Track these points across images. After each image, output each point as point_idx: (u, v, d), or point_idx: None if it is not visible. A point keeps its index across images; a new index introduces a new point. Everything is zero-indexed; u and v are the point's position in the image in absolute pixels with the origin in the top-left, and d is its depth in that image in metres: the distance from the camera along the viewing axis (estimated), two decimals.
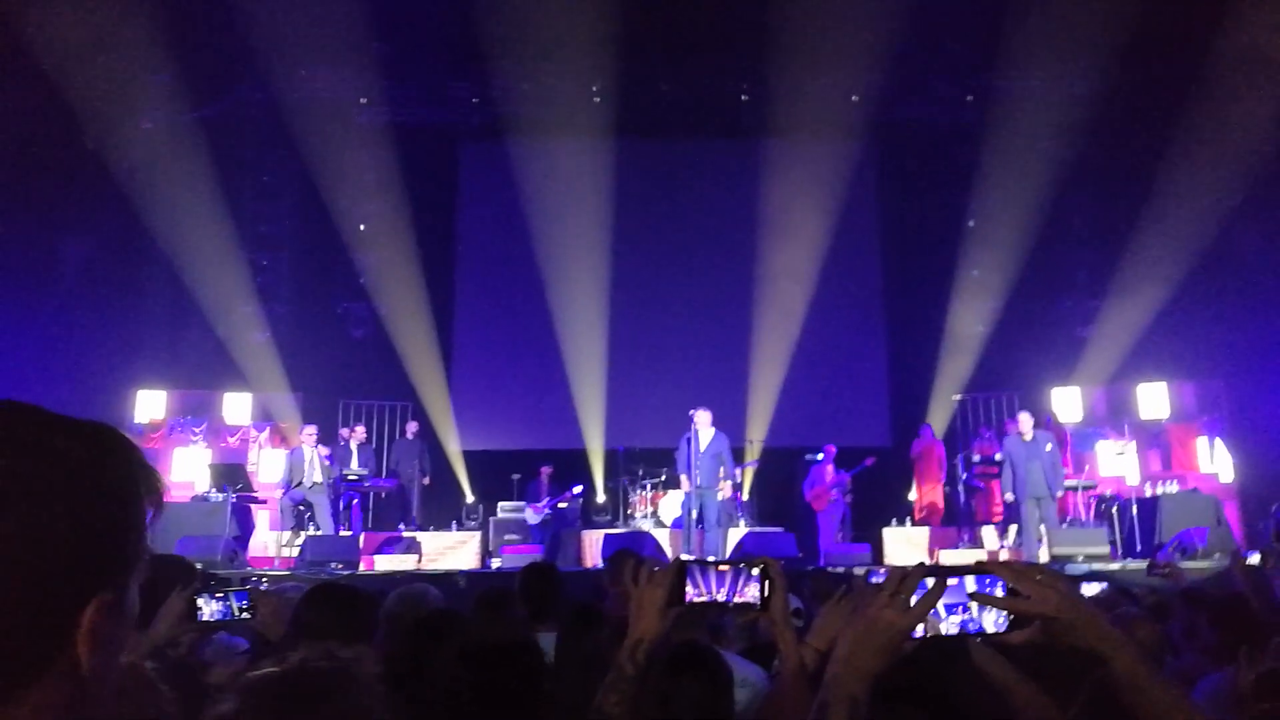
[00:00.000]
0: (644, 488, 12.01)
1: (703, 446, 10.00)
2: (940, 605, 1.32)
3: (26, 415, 0.78)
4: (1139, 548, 10.15)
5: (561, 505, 11.61)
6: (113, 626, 0.78)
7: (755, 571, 1.97)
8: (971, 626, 1.32)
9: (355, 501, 11.62)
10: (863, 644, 1.30)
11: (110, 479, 0.79)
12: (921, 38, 12.21)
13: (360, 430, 11.78)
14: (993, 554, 10.36)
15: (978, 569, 1.34)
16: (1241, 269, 11.36)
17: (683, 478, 10.21)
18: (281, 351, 12.86)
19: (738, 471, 11.16)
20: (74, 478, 0.76)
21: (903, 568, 1.36)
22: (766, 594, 1.96)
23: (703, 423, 10.12)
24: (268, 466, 12.13)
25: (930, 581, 1.32)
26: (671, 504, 11.69)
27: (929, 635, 1.32)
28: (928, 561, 1.38)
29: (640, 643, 2.06)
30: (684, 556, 3.13)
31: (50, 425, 0.78)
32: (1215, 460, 11.76)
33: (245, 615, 2.86)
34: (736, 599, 1.98)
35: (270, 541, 10.85)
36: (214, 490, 10.34)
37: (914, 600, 1.30)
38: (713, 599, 1.99)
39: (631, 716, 2.07)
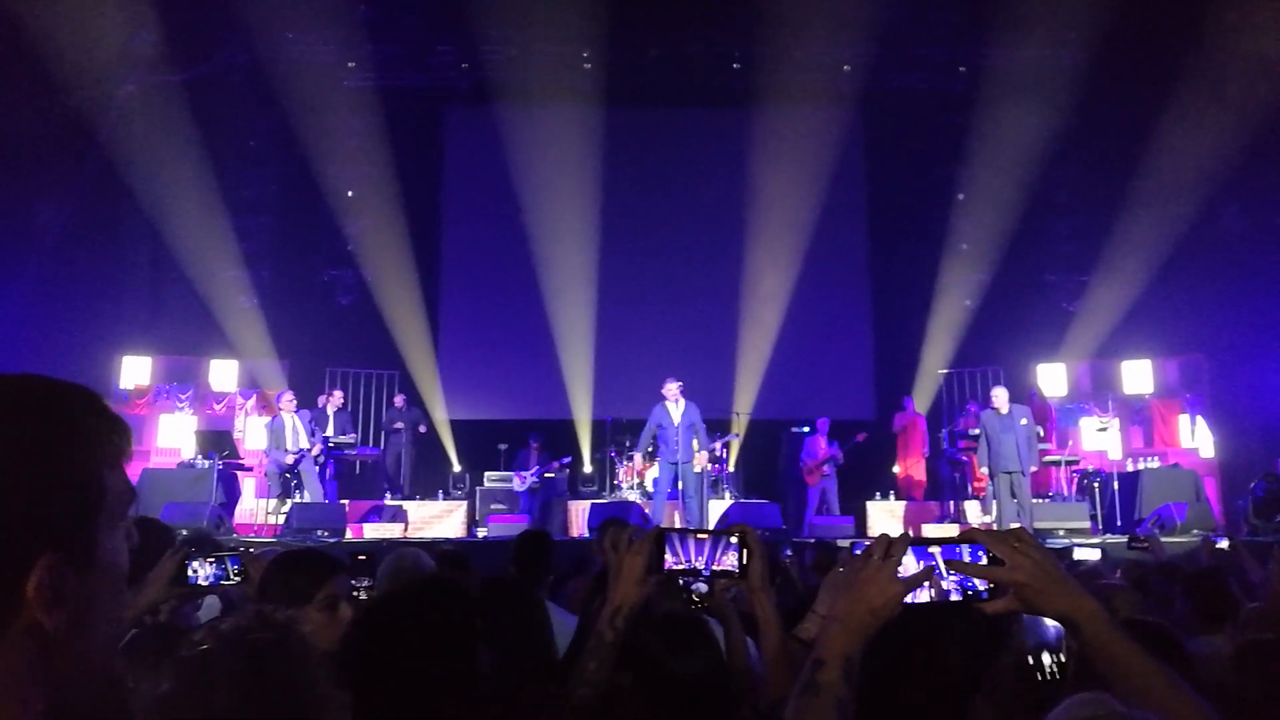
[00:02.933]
0: (630, 458, 12.05)
1: (676, 419, 10.03)
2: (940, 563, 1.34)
3: None
4: (1119, 522, 10.26)
5: (549, 475, 11.64)
6: (75, 585, 0.78)
7: (734, 540, 1.98)
8: (968, 585, 1.34)
9: (330, 471, 11.55)
10: (857, 604, 1.31)
11: (46, 436, 0.78)
12: (913, 6, 12.14)
13: (337, 395, 11.62)
14: (973, 527, 10.44)
15: (961, 539, 1.35)
16: (1225, 246, 11.39)
17: (644, 453, 10.25)
18: (268, 318, 12.78)
19: (716, 445, 11.21)
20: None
21: (887, 535, 1.39)
22: (744, 562, 1.97)
23: (672, 394, 10.13)
24: (254, 433, 12.10)
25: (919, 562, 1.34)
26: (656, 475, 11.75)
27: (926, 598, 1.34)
28: (910, 535, 1.39)
29: (619, 610, 2.08)
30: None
31: None
32: (1196, 436, 11.86)
33: (237, 579, 2.87)
34: (715, 567, 1.99)
35: (257, 509, 10.84)
36: (200, 457, 10.31)
37: (903, 569, 1.32)
38: (691, 567, 2.00)
39: (613, 683, 2.09)
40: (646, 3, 11.84)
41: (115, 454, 0.83)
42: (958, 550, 1.34)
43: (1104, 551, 5.45)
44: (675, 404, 10.11)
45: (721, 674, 2.11)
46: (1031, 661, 2.09)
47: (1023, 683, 2.05)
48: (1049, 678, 2.06)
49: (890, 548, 1.34)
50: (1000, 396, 9.97)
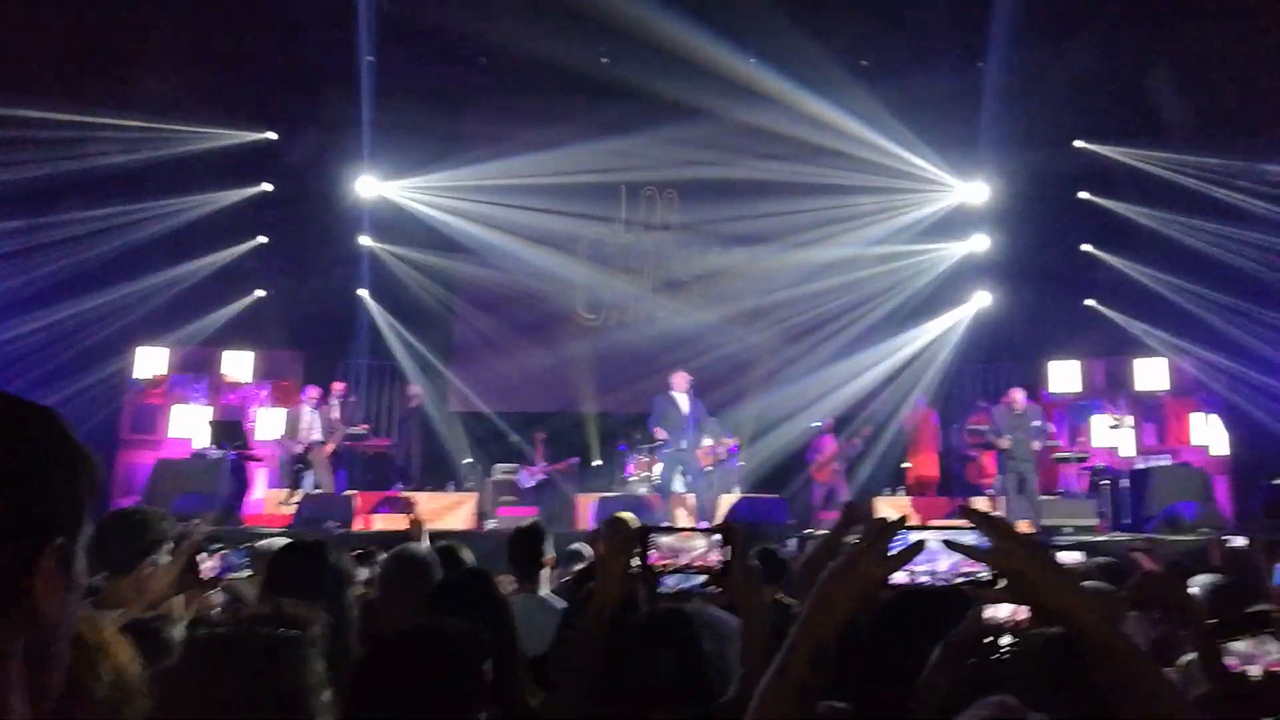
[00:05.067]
0: (640, 452, 12.08)
1: (684, 410, 10.06)
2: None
3: None
4: (1128, 520, 10.22)
5: (559, 470, 11.71)
6: (66, 575, 0.82)
7: (717, 536, 2.00)
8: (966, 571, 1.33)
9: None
10: (836, 590, 1.30)
11: (53, 453, 0.83)
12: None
13: (339, 386, 11.67)
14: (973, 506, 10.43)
15: (959, 520, 1.35)
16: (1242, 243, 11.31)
17: (657, 441, 10.28)
18: (282, 310, 12.89)
19: (728, 439, 11.23)
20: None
21: (881, 519, 1.38)
22: (728, 558, 1.99)
23: (680, 386, 10.16)
24: (266, 424, 12.22)
25: (912, 536, 1.32)
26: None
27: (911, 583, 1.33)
28: (905, 519, 1.37)
29: (604, 607, 2.11)
30: (661, 522, 3.15)
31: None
32: (1209, 434, 11.79)
33: (246, 572, 2.90)
34: (699, 563, 2.00)
35: (268, 499, 10.95)
36: (213, 447, 10.42)
37: (891, 552, 1.31)
38: (675, 564, 2.02)
39: (599, 679, 2.12)
40: None
41: (91, 488, 0.87)
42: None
43: (1094, 551, 5.41)
44: (682, 395, 10.13)
45: (697, 670, 2.14)
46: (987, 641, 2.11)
47: (976, 661, 2.06)
48: (1003, 658, 2.07)
49: (881, 530, 1.33)
50: (1017, 395, 10.01)
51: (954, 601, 1.79)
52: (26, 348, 10.61)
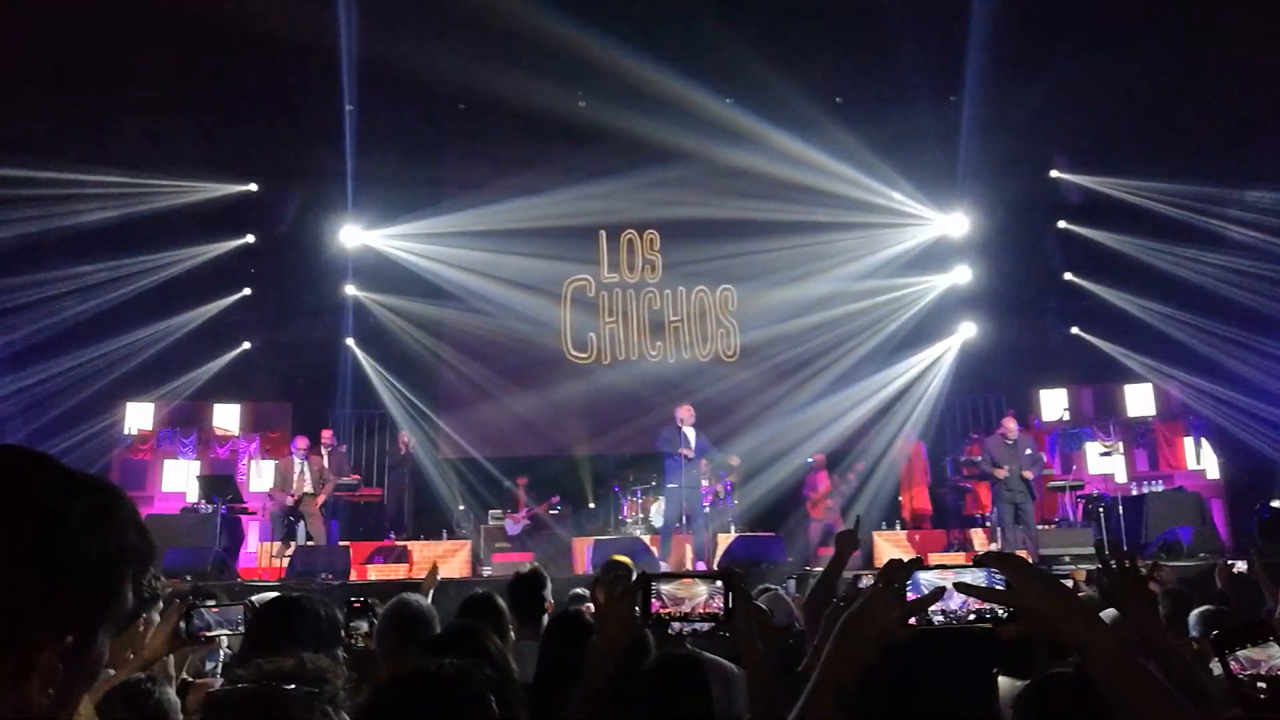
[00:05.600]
0: (634, 494, 12.03)
1: (690, 444, 10.06)
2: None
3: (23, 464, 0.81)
4: (1125, 547, 10.21)
5: (551, 512, 11.64)
6: (70, 671, 0.80)
7: (719, 583, 1.99)
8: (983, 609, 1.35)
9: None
10: (854, 633, 1.32)
11: (83, 531, 0.82)
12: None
13: (326, 434, 11.56)
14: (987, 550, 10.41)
15: (977, 564, 1.37)
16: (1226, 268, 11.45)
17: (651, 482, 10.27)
18: (269, 361, 12.86)
19: (722, 479, 11.21)
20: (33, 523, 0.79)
21: (897, 560, 1.40)
22: (729, 605, 1.98)
23: (686, 419, 10.16)
24: (257, 477, 12.12)
25: (924, 577, 1.36)
26: (661, 509, 11.73)
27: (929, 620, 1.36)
28: (920, 560, 1.41)
29: (608, 656, 2.08)
30: (662, 567, 3.12)
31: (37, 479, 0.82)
32: (1201, 458, 11.83)
33: (240, 629, 2.85)
34: (701, 610, 1.99)
35: (260, 553, 10.83)
36: (204, 502, 10.32)
37: (908, 596, 1.34)
38: (678, 611, 2.01)
39: None
40: None
41: (143, 564, 0.86)
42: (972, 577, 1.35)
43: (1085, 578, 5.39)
44: (689, 429, 10.13)
45: (708, 715, 2.12)
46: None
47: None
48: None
49: (895, 573, 1.36)
50: (1010, 425, 10.06)
51: (971, 639, 1.80)
52: (14, 405, 10.54)
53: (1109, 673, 1.24)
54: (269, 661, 1.43)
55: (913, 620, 1.33)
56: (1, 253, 10.55)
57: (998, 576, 1.33)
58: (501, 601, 3.55)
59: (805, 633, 2.15)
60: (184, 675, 2.99)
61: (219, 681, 3.02)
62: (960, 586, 1.34)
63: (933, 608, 1.36)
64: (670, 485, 10.39)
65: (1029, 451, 9.76)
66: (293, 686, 1.38)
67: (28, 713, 0.78)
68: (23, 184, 10.51)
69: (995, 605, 1.33)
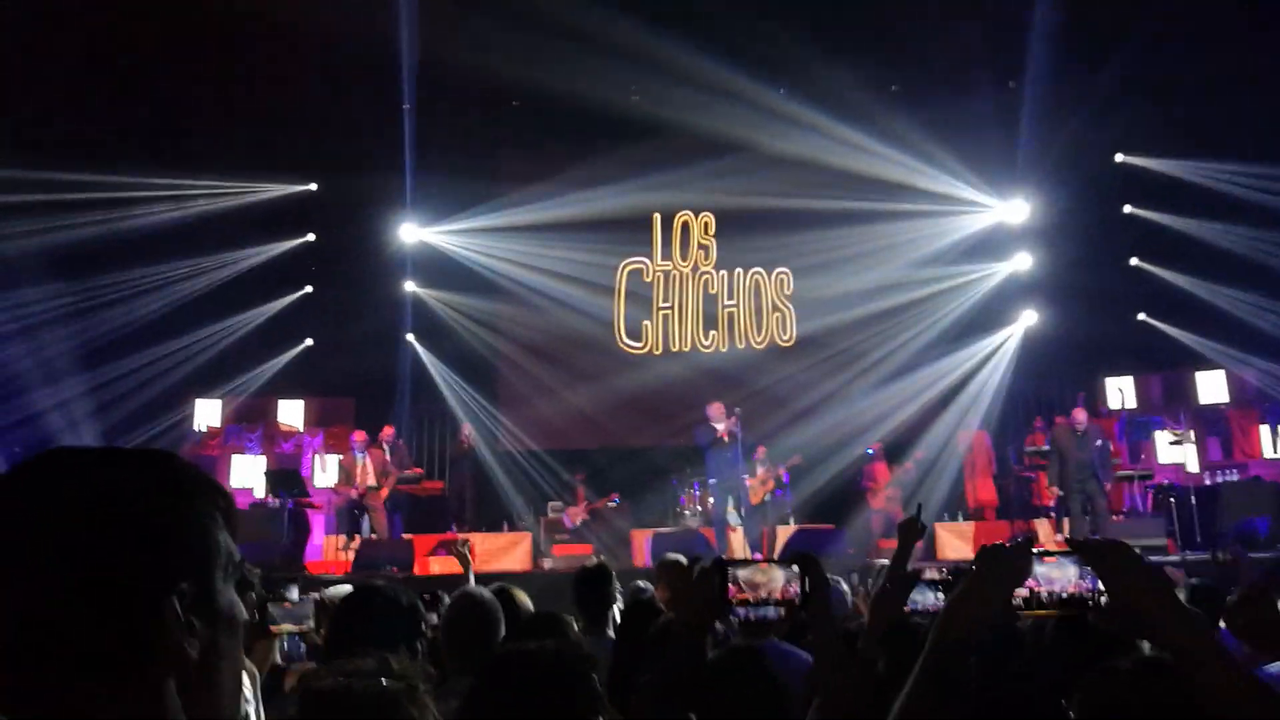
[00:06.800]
0: (691, 486, 12.02)
1: (727, 441, 10.04)
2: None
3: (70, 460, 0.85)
4: (1199, 539, 9.92)
5: (611, 505, 11.70)
6: (201, 629, 0.83)
7: (795, 567, 1.98)
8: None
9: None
10: (985, 583, 1.35)
11: (166, 493, 0.85)
12: None
13: (387, 430, 11.71)
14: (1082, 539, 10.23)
15: (1069, 549, 1.39)
16: None
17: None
18: (332, 357, 13.09)
19: (780, 469, 11.15)
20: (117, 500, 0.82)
21: (1028, 531, 1.45)
22: (807, 591, 1.96)
23: (716, 416, 10.13)
24: (321, 472, 12.36)
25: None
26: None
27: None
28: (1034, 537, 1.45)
29: (686, 645, 2.08)
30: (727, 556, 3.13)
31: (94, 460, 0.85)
32: (1279, 447, 11.47)
33: (309, 622, 2.89)
34: (779, 595, 1.98)
35: (326, 545, 11.05)
36: (271, 496, 10.55)
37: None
38: (755, 597, 2.00)
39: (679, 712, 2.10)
40: None
41: (225, 515, 0.89)
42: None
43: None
44: (720, 424, 10.10)
45: (774, 705, 2.11)
46: None
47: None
48: None
49: (1020, 547, 1.39)
50: (1080, 414, 9.87)
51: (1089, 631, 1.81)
52: (92, 404, 10.90)
53: (1208, 681, 1.19)
54: (367, 658, 1.45)
55: (1020, 592, 1.36)
56: (75, 255, 10.90)
57: (1087, 569, 1.35)
58: (570, 620, 3.55)
59: (868, 627, 2.13)
60: (276, 659, 3.06)
61: (310, 665, 3.09)
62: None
63: (1029, 586, 1.38)
64: (711, 480, 10.38)
65: (1099, 443, 9.55)
66: (386, 682, 1.40)
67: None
68: (94, 188, 10.86)
69: (1095, 592, 1.33)
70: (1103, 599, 1.34)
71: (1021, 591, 1.38)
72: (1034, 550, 1.38)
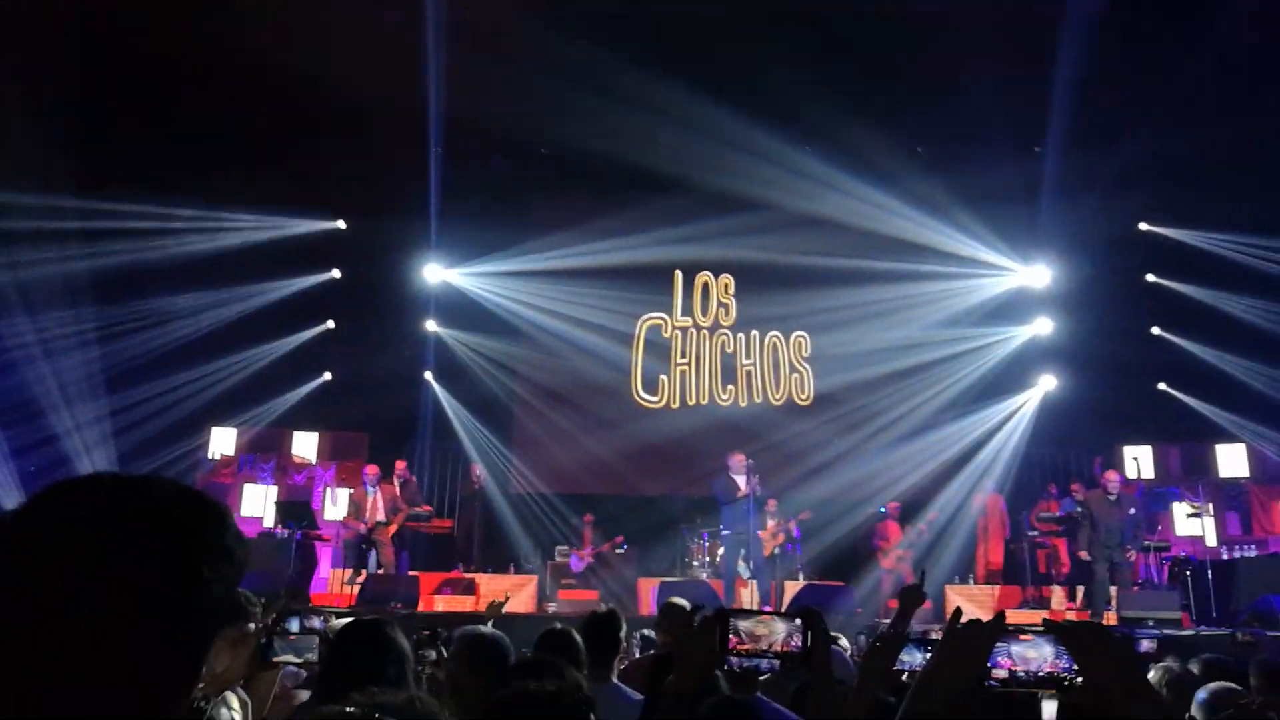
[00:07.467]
0: (700, 537, 11.96)
1: (742, 491, 10.01)
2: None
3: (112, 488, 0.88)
4: (1214, 614, 9.75)
5: (616, 551, 11.64)
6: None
7: (798, 621, 1.97)
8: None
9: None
10: (929, 690, 1.34)
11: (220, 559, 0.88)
12: None
13: (400, 466, 11.73)
14: (1057, 614, 10.06)
15: (1045, 629, 1.37)
16: None
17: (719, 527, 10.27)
18: (349, 392, 13.17)
19: (791, 523, 11.08)
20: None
21: (976, 620, 1.42)
22: (809, 645, 1.96)
23: (737, 468, 10.13)
24: (332, 505, 12.37)
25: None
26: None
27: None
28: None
29: (683, 694, 2.08)
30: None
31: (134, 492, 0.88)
32: None
33: (311, 655, 2.89)
34: (779, 648, 1.98)
35: (332, 579, 11.02)
36: (280, 527, 10.56)
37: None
38: (755, 648, 1.99)
39: None
40: None
41: (240, 574, 0.92)
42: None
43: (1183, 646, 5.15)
44: (740, 476, 10.09)
45: None
46: None
47: None
48: None
49: (983, 629, 1.39)
50: (1113, 481, 9.78)
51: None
52: (112, 426, 11.00)
53: None
54: (380, 692, 1.45)
55: (997, 674, 1.36)
56: (105, 281, 11.08)
57: (1062, 648, 1.37)
58: (579, 638, 3.57)
59: (857, 684, 2.11)
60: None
61: (305, 695, 3.08)
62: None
63: (1005, 666, 1.37)
64: (725, 532, 10.37)
65: (1132, 511, 9.44)
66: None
67: None
68: (128, 216, 11.08)
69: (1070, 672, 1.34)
70: (1078, 679, 1.34)
71: (999, 672, 1.38)
72: (1006, 627, 1.39)
